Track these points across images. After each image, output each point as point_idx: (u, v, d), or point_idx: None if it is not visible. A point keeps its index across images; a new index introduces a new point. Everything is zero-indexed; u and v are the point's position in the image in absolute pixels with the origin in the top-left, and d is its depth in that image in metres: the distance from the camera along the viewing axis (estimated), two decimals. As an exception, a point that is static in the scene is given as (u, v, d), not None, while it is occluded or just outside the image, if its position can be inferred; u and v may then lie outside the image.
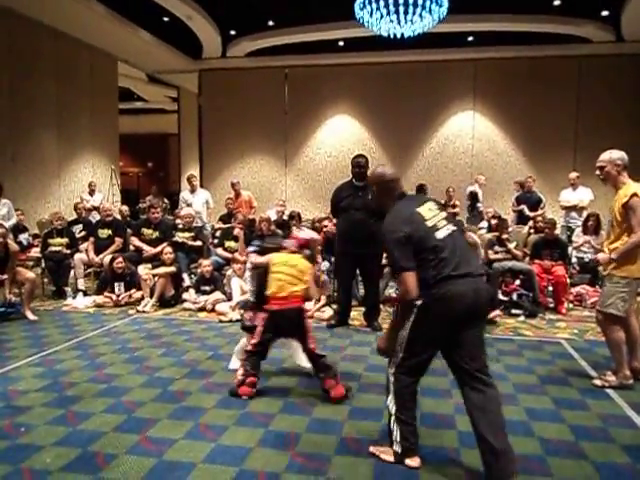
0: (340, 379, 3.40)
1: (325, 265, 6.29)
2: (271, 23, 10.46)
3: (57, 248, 6.53)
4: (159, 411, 3.18)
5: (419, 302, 2.39)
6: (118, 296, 6.04)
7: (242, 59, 11.95)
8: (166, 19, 10.06)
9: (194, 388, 3.56)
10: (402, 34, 7.71)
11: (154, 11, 9.52)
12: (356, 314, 5.53)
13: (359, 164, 5.15)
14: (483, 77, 11.29)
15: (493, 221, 7.27)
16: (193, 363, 4.10)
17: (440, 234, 2.43)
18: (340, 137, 11.94)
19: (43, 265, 6.72)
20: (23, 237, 7.22)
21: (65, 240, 6.66)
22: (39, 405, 3.26)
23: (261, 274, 3.53)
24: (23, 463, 2.56)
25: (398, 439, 2.54)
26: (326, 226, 6.62)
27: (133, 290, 6.11)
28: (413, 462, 2.54)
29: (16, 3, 8.51)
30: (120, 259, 6.10)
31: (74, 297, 6.24)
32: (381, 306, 5.53)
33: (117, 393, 3.47)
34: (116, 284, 6.09)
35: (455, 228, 2.52)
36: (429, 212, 2.50)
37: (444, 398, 3.40)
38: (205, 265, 6.01)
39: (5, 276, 5.41)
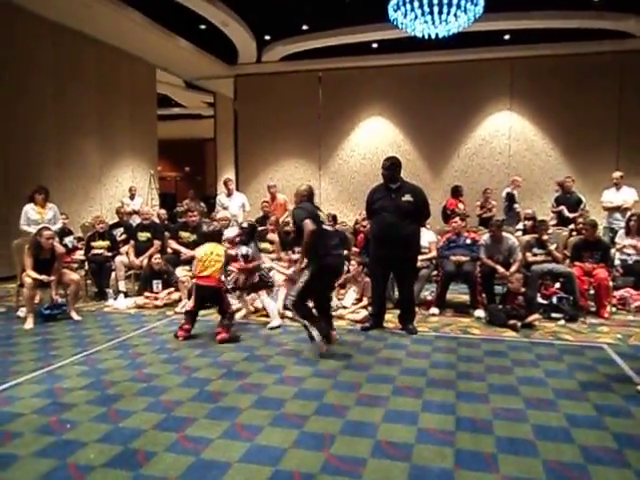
0: (373, 382, 3.38)
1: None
2: (305, 27, 10.54)
3: (99, 251, 6.76)
4: (196, 411, 3.25)
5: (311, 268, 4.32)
6: (157, 293, 6.22)
7: (276, 64, 12.08)
8: (203, 27, 10.27)
9: (230, 389, 3.61)
10: (437, 34, 7.64)
11: (191, 19, 9.74)
12: (390, 316, 5.51)
13: (385, 166, 5.15)
14: (520, 76, 11.07)
15: (528, 222, 7.12)
16: (229, 364, 4.16)
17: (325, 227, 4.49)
18: (374, 139, 11.91)
19: (86, 267, 6.95)
20: (68, 240, 7.47)
21: (106, 243, 6.88)
22: (83, 402, 3.38)
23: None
24: (68, 458, 2.65)
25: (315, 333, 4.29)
26: (365, 226, 6.62)
27: (172, 289, 6.28)
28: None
29: (61, 15, 8.85)
30: (157, 255, 6.30)
31: (115, 298, 6.43)
32: (416, 309, 5.49)
33: (156, 392, 3.56)
34: (154, 281, 6.29)
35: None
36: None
37: (482, 403, 3.35)
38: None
39: (52, 277, 5.62)
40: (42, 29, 8.92)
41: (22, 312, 5.62)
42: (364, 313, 5.57)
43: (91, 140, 10.24)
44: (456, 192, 8.78)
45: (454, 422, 3.04)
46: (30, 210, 6.69)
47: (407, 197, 5.00)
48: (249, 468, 2.57)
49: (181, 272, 6.30)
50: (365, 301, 5.79)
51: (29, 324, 5.34)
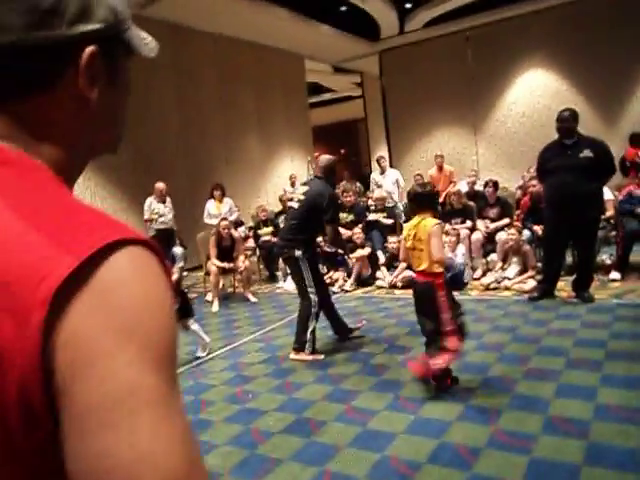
0: (543, 355, 3.20)
1: (526, 234, 5.86)
2: (446, -13, 10.02)
3: (266, 237, 7.34)
4: (361, 383, 3.40)
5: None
6: (325, 274, 6.58)
7: (420, 32, 11.70)
8: (343, 8, 10.37)
9: (392, 362, 3.71)
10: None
11: (330, 2, 9.90)
12: (562, 284, 5.07)
13: (562, 118, 4.64)
14: None
15: None
16: (391, 339, 4.26)
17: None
18: (534, 94, 10.91)
19: (257, 253, 7.62)
20: (241, 230, 8.25)
21: (270, 229, 7.45)
22: (262, 375, 3.76)
23: None
24: (252, 424, 2.99)
25: (309, 347, 3.95)
26: (534, 186, 6.02)
27: (331, 272, 6.57)
28: (319, 356, 3.95)
29: (220, 27, 9.68)
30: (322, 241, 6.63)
31: (284, 280, 6.94)
32: (594, 275, 4.96)
33: (324, 366, 3.80)
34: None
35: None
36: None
37: (584, 399, 2.84)
38: (393, 242, 6.16)
39: (231, 265, 6.27)
40: (206, 42, 9.87)
41: (209, 297, 6.38)
42: (533, 283, 5.22)
43: (252, 137, 11.08)
44: (637, 140, 7.68)
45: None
46: (210, 205, 7.60)
47: (586, 152, 4.48)
48: (414, 439, 2.63)
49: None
50: (530, 272, 5.41)
51: (215, 307, 6.05)
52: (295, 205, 4.08)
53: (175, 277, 4.25)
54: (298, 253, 3.97)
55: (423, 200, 3.23)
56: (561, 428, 2.58)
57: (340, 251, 6.55)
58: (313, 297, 3.97)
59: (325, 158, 4.25)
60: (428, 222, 3.12)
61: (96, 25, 0.52)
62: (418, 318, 3.25)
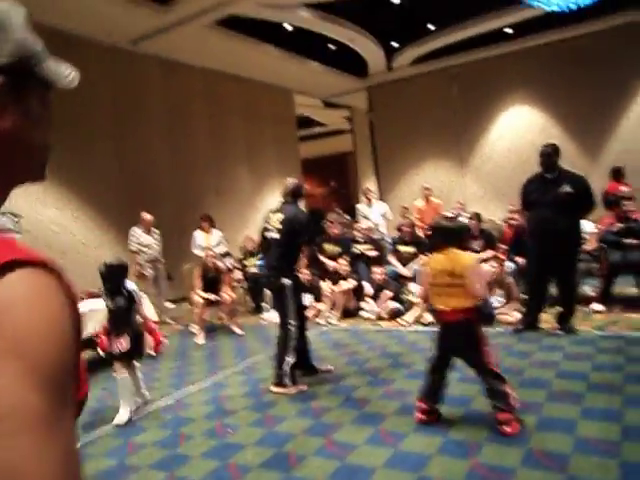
0: (525, 387, 3.20)
1: (509, 266, 5.92)
2: (431, 27, 10.35)
3: (253, 269, 7.33)
4: (343, 416, 3.36)
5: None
6: (306, 307, 6.55)
7: (407, 68, 12.02)
8: (332, 47, 10.65)
9: (375, 395, 3.67)
10: (577, 3, 6.97)
11: (319, 41, 10.17)
12: (546, 316, 5.09)
13: (544, 152, 4.74)
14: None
15: None
16: (375, 371, 4.23)
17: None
18: (519, 129, 11.17)
19: (244, 285, 7.59)
20: (228, 261, 8.24)
21: (257, 260, 7.44)
22: (242, 409, 3.70)
23: None
24: (230, 459, 2.93)
25: (288, 380, 3.94)
26: (515, 220, 6.11)
27: (316, 304, 6.54)
28: (302, 387, 3.95)
29: (209, 61, 9.89)
30: (306, 271, 6.63)
31: (269, 311, 6.90)
32: (577, 306, 4.99)
33: (306, 398, 3.76)
34: (305, 295, 6.61)
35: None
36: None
37: (564, 432, 2.81)
38: (377, 273, 6.18)
39: (216, 297, 6.23)
40: (194, 77, 10.06)
41: (194, 328, 6.32)
42: (518, 315, 5.23)
43: (242, 168, 11.19)
44: (617, 174, 7.84)
45: (619, 431, 2.73)
46: (198, 236, 7.57)
47: (566, 188, 4.57)
48: (392, 474, 2.59)
49: (325, 285, 6.55)
50: (514, 304, 5.44)
51: (201, 339, 5.98)
52: (275, 235, 4.10)
53: (139, 317, 3.89)
54: (287, 282, 3.97)
55: (452, 234, 3.03)
56: (541, 462, 2.55)
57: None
58: (292, 329, 3.95)
59: (290, 182, 4.27)
60: (464, 257, 2.95)
61: (2, 59, 0.55)
62: (439, 357, 3.07)
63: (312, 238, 4.10)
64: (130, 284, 3.88)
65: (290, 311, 3.96)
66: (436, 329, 3.17)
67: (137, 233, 7.12)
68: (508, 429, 2.86)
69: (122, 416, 3.62)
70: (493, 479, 2.45)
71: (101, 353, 3.91)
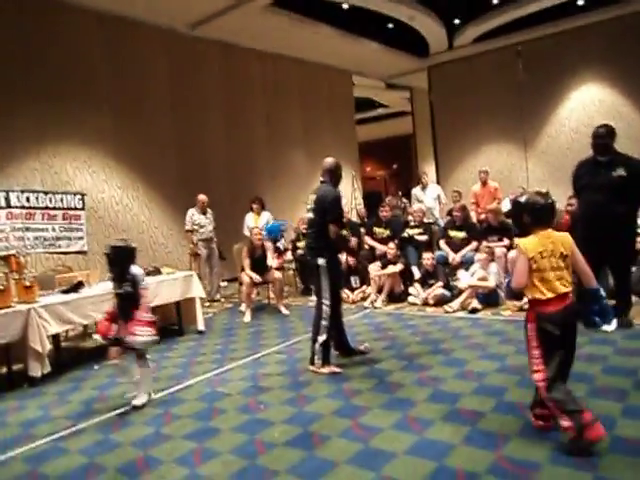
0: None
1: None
2: (495, 1, 9.86)
3: (301, 251, 7.40)
4: (373, 400, 3.36)
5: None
6: (354, 289, 6.57)
7: (469, 47, 11.56)
8: (390, 25, 10.41)
9: (408, 380, 3.64)
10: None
11: (378, 20, 9.96)
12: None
13: (597, 134, 4.43)
14: None
15: None
16: (412, 356, 4.18)
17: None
18: (588, 109, 10.49)
19: (294, 266, 7.69)
20: (280, 243, 8.36)
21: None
22: (277, 387, 3.78)
23: None
24: (257, 435, 3.01)
25: (318, 359, 3.97)
26: (572, 205, 5.77)
27: (364, 287, 6.55)
28: (336, 369, 3.95)
29: (266, 44, 9.96)
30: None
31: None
32: (633, 298, 4.69)
33: (340, 380, 3.78)
34: (352, 278, 6.65)
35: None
36: None
37: None
38: (427, 259, 6.06)
39: (258, 278, 6.32)
40: (251, 60, 10.17)
41: (242, 307, 6.48)
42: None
43: (298, 151, 11.25)
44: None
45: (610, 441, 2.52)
46: (248, 217, 7.77)
47: (620, 171, 4.28)
48: (413, 461, 2.56)
49: (373, 268, 6.51)
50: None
51: (247, 317, 6.14)
52: (310, 215, 4.12)
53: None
54: (321, 261, 4.00)
55: (550, 212, 2.68)
56: (570, 459, 2.44)
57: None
58: (325, 308, 3.98)
59: (328, 162, 4.22)
60: (562, 236, 2.66)
61: None
62: (557, 353, 2.64)
63: (339, 217, 4.04)
64: (136, 268, 3.62)
65: (324, 290, 3.98)
66: (542, 322, 2.63)
67: (193, 213, 7.36)
68: (541, 423, 2.75)
69: (142, 398, 3.63)
70: (516, 473, 2.37)
71: (97, 337, 3.68)
